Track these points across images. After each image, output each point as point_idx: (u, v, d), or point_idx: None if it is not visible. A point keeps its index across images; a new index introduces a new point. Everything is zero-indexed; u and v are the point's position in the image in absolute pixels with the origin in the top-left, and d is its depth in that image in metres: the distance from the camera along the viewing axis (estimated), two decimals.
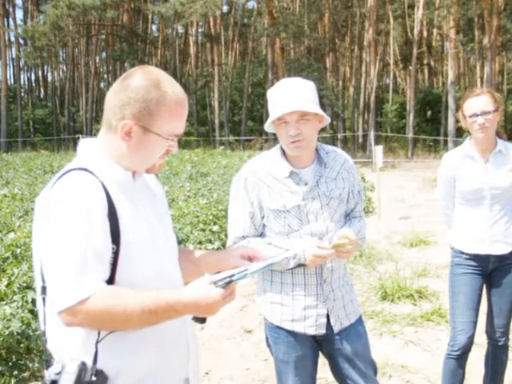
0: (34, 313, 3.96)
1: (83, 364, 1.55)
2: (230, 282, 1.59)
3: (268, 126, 2.49)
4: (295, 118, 2.37)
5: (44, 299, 1.62)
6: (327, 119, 2.46)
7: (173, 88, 1.71)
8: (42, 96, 53.44)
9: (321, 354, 2.68)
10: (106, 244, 1.57)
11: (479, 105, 3.13)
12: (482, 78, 31.56)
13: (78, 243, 1.53)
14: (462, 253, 3.33)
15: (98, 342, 1.59)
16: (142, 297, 1.55)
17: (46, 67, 51.85)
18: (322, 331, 2.52)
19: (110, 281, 1.59)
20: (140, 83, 1.67)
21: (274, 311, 2.56)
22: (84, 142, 1.76)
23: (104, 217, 1.58)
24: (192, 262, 1.95)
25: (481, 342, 3.77)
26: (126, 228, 1.62)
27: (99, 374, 1.57)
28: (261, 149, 26.79)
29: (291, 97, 2.37)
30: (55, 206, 1.57)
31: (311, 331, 2.52)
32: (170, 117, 1.68)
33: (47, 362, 1.63)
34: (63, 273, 1.52)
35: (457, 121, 27.54)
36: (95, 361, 1.58)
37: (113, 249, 1.59)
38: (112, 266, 1.59)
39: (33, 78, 52.73)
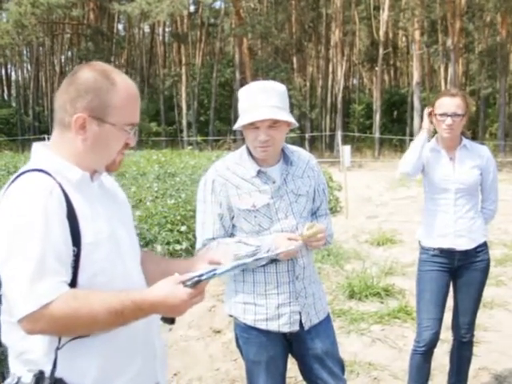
0: None
1: (40, 373, 1.50)
2: (199, 281, 1.56)
3: (238, 127, 2.49)
4: (266, 124, 2.38)
5: None
6: (295, 124, 2.49)
7: (121, 77, 1.68)
8: (5, 95, 52.37)
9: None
10: (66, 246, 1.52)
11: (451, 106, 3.19)
12: (446, 79, 32.09)
13: (36, 245, 1.46)
14: (429, 249, 3.39)
15: (58, 348, 1.52)
16: (107, 298, 1.50)
17: (9, 66, 50.85)
18: (296, 328, 2.55)
19: (73, 284, 1.53)
20: (87, 75, 1.63)
21: (246, 312, 2.56)
22: (36, 146, 1.70)
23: (63, 218, 1.53)
24: (162, 273, 1.80)
25: (446, 338, 3.84)
26: (86, 229, 1.57)
27: (58, 382, 1.52)
28: (229, 149, 26.71)
29: (264, 103, 2.37)
30: (10, 209, 1.51)
31: (285, 329, 2.54)
32: (123, 105, 1.64)
33: (2, 374, 1.59)
34: (21, 277, 1.45)
35: (422, 121, 27.91)
36: (54, 369, 1.51)
37: (73, 251, 1.53)
38: (74, 268, 1.53)
39: None
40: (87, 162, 1.66)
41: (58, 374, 1.52)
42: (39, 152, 1.68)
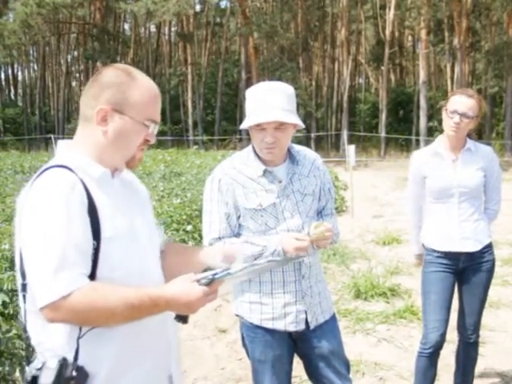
0: (4, 315, 3.90)
1: (64, 360, 1.57)
2: (213, 279, 1.61)
3: (244, 127, 2.50)
4: (273, 126, 2.39)
5: (24, 296, 1.63)
6: (301, 125, 2.49)
7: (142, 75, 1.77)
8: (12, 95, 52.58)
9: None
10: (86, 239, 1.58)
11: (464, 106, 3.17)
12: (452, 78, 31.94)
13: (58, 238, 1.53)
14: (434, 251, 3.37)
15: (79, 337, 1.59)
16: (125, 292, 1.56)
17: (16, 66, 51.05)
18: (302, 327, 2.56)
19: (91, 277, 1.59)
20: (111, 73, 1.73)
21: (253, 311, 2.58)
22: (61, 143, 1.79)
23: (84, 212, 1.59)
24: (186, 263, 1.90)
25: (452, 338, 3.83)
26: (106, 224, 1.63)
27: (80, 370, 1.58)
28: (234, 148, 26.71)
29: (272, 105, 2.37)
30: (34, 203, 1.58)
31: (291, 328, 2.55)
32: (144, 100, 1.72)
33: (28, 358, 1.65)
34: (44, 268, 1.52)
35: (428, 120, 27.91)
36: (76, 357, 1.59)
37: (93, 245, 1.59)
38: (93, 262, 1.59)
39: (2, 76, 51.86)
40: (108, 157, 1.73)
41: (79, 362, 1.59)
42: (63, 149, 1.77)
